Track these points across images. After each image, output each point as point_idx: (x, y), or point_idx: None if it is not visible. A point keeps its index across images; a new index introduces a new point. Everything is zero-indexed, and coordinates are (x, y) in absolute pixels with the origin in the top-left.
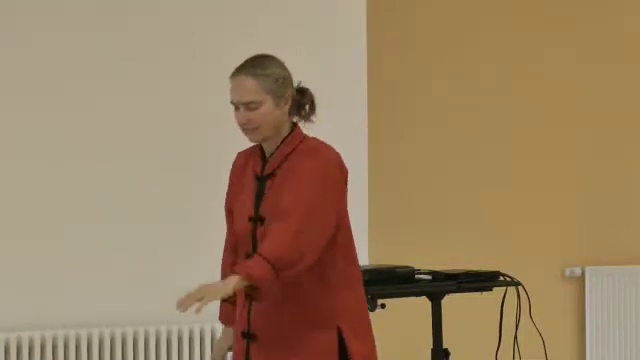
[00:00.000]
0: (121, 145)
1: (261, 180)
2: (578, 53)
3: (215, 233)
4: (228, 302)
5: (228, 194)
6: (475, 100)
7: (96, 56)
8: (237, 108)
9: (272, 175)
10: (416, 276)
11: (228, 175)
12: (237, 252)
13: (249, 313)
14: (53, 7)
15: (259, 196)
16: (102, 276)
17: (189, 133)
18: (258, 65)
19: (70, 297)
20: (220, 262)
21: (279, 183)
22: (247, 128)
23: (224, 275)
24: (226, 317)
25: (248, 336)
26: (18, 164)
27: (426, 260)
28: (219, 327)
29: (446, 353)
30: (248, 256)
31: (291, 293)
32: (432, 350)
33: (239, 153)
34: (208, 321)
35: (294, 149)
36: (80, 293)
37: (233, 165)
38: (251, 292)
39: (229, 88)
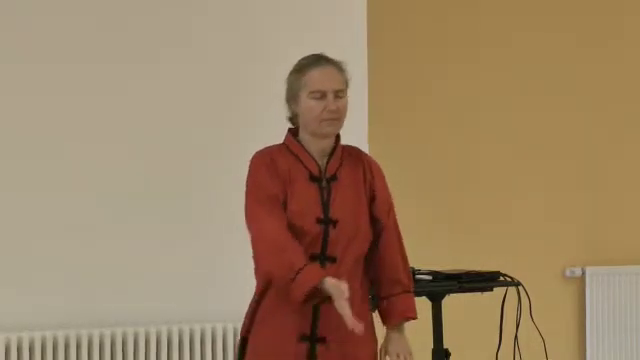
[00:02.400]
0: (119, 144)
1: (320, 181)
2: (580, 51)
3: (217, 235)
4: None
5: (268, 181)
6: (475, 101)
7: (96, 56)
8: (322, 97)
9: (335, 177)
10: (416, 276)
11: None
12: None
13: (315, 317)
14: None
15: (325, 197)
16: (102, 276)
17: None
18: (335, 60)
19: (70, 297)
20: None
21: (346, 185)
22: (334, 117)
23: (308, 269)
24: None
25: (313, 339)
26: (18, 163)
27: (426, 260)
28: (220, 327)
29: (446, 353)
30: (315, 258)
31: (365, 295)
32: (432, 350)
33: (264, 151)
34: (209, 321)
35: (343, 151)
36: (80, 293)
37: (270, 159)
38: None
39: (309, 79)
